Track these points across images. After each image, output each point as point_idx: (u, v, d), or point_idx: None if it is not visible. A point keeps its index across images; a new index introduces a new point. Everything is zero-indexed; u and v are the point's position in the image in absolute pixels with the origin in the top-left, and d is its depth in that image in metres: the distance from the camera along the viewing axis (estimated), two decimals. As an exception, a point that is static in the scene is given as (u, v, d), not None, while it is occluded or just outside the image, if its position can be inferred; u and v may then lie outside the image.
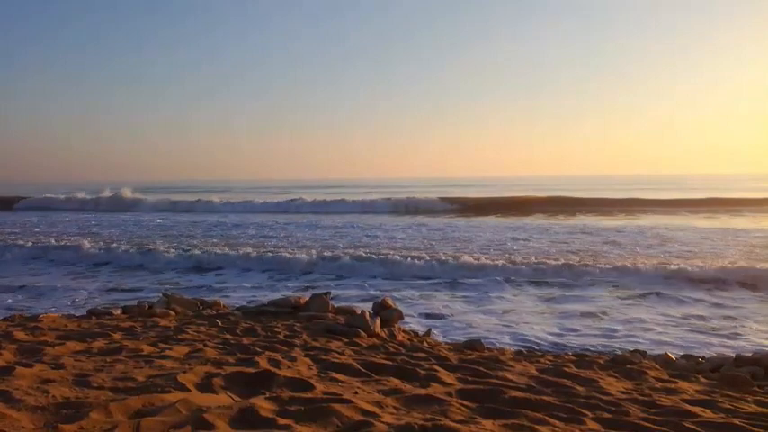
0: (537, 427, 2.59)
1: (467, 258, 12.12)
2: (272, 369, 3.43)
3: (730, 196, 33.04)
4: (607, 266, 11.15)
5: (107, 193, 36.26)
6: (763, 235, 16.36)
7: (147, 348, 4.20)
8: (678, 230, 17.64)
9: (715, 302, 8.68)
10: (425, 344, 5.51)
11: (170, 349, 4.19)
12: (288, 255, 13.07)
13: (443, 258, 12.24)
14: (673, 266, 10.86)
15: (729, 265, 10.91)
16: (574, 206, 29.59)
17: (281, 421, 2.46)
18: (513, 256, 12.54)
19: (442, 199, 32.03)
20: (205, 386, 3.07)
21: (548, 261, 11.76)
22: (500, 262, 11.76)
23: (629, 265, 11.10)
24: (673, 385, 3.90)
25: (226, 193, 53.27)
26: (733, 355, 5.26)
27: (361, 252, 13.38)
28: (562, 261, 11.73)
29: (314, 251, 13.54)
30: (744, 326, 7.34)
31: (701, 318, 7.76)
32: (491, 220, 23.84)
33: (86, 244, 14.99)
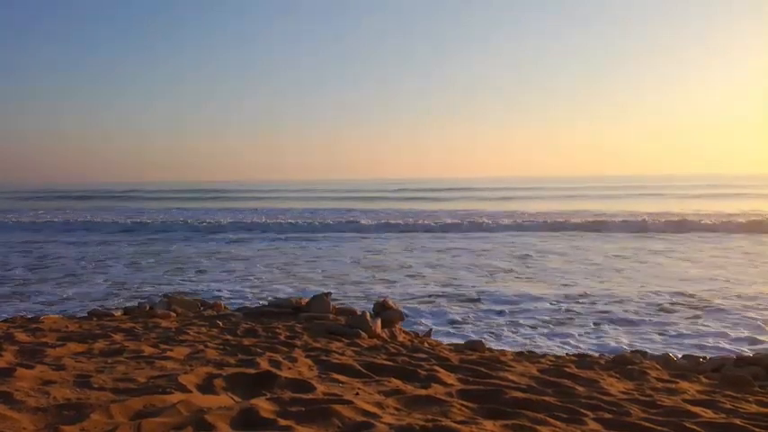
0: (538, 427, 2.59)
1: None
2: (273, 370, 3.43)
3: None
4: None
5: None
6: None
7: (147, 349, 4.20)
8: None
9: None
10: (426, 345, 5.51)
11: (171, 350, 4.19)
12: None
13: None
14: None
15: None
16: None
17: (282, 422, 2.46)
18: None
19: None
20: (206, 387, 3.07)
21: None
22: None
23: None
24: (674, 385, 3.90)
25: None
26: (734, 355, 5.25)
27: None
28: None
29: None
30: None
31: None
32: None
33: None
